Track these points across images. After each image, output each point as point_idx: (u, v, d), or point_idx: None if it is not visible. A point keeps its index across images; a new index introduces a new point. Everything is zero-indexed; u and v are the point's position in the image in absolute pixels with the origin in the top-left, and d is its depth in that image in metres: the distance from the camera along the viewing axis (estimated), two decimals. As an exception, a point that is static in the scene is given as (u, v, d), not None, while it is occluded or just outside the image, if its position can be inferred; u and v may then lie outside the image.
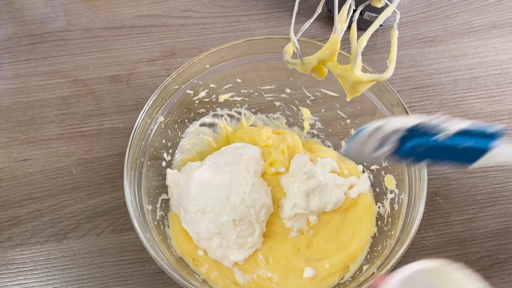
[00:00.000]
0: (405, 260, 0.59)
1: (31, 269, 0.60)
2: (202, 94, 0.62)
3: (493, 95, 0.70)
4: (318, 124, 0.65)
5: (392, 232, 0.53)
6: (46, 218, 0.62)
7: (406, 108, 0.54)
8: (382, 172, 0.60)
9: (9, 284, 0.59)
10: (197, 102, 0.63)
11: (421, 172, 0.51)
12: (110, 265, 0.60)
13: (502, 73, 0.71)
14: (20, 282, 0.59)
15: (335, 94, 0.61)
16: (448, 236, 0.61)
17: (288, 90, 0.64)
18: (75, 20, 0.76)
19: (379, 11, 0.64)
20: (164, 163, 0.62)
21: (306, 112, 0.65)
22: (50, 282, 0.59)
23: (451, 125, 0.39)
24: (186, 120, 0.63)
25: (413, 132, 0.40)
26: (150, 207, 0.57)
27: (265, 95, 0.65)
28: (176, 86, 0.59)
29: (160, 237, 0.55)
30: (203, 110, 0.64)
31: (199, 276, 0.56)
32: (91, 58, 0.73)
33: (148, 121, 0.57)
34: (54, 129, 0.68)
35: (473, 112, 0.69)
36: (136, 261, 0.60)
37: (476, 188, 0.64)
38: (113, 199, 0.63)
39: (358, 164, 0.63)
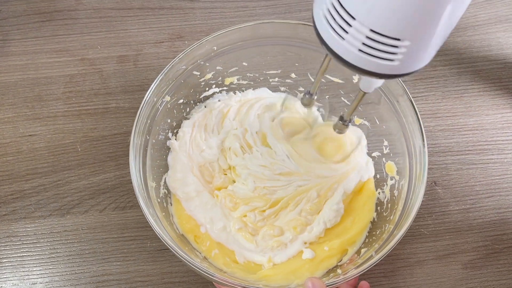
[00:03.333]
0: (402, 247, 0.61)
1: (34, 242, 0.61)
2: (209, 76, 0.63)
3: (496, 89, 0.70)
4: (322, 111, 0.66)
5: (391, 217, 0.54)
6: (50, 193, 0.63)
7: (411, 98, 0.54)
8: (383, 158, 0.61)
9: (12, 256, 0.60)
10: (203, 83, 0.63)
11: (422, 159, 0.52)
12: (112, 241, 0.61)
13: (506, 67, 0.71)
14: (23, 254, 0.60)
15: (341, 81, 0.62)
16: (446, 225, 0.62)
17: (293, 76, 0.65)
18: (84, -1, 0.77)
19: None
20: (168, 143, 0.62)
21: None
22: (53, 256, 0.60)
23: None
24: (192, 101, 0.64)
25: None
26: (154, 184, 0.58)
27: (270, 80, 0.66)
28: (184, 67, 0.60)
29: (163, 214, 0.56)
30: (208, 92, 0.65)
31: (200, 253, 0.57)
32: (99, 37, 0.73)
33: (155, 99, 0.58)
34: (60, 106, 0.68)
35: (475, 105, 0.69)
36: (137, 238, 0.61)
37: (475, 179, 0.65)
38: (117, 177, 0.64)
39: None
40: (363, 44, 0.35)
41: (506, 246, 0.61)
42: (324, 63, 0.49)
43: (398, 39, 0.34)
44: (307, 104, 0.56)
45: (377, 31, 0.34)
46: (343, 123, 0.53)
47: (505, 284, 0.59)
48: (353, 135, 0.63)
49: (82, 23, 0.74)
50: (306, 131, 0.63)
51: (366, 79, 0.45)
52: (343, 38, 0.36)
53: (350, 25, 0.35)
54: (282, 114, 0.64)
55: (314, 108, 0.65)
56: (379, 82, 0.46)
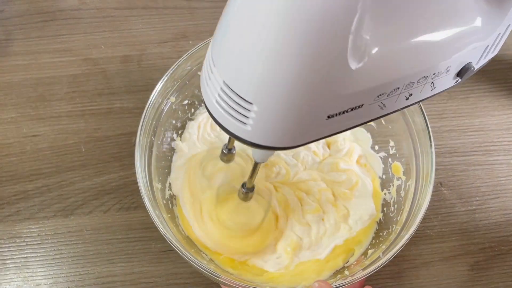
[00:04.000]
0: (408, 248, 0.60)
1: (38, 243, 0.60)
2: (213, 76, 0.62)
3: (502, 89, 0.70)
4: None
5: (398, 218, 0.54)
6: (54, 193, 0.63)
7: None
8: (389, 159, 0.60)
9: (16, 257, 0.59)
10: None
11: (430, 160, 0.52)
12: (116, 242, 0.60)
13: (511, 68, 0.71)
14: (27, 255, 0.60)
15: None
16: (452, 226, 0.62)
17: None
18: (88, -1, 0.76)
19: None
20: (173, 144, 0.62)
21: None
22: (57, 257, 0.60)
23: None
24: (197, 102, 0.64)
25: None
26: (159, 186, 0.57)
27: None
28: (189, 67, 0.59)
29: (169, 215, 0.56)
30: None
31: (206, 255, 0.56)
32: (102, 37, 0.73)
33: (160, 100, 0.57)
34: (64, 106, 0.68)
35: (481, 105, 0.69)
36: (142, 239, 0.60)
37: (481, 180, 0.64)
38: (121, 177, 0.64)
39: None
40: (218, 95, 0.33)
41: (512, 247, 0.61)
42: None
43: (249, 102, 0.32)
44: (227, 160, 0.54)
45: (230, 86, 0.32)
46: (246, 191, 0.51)
47: (511, 286, 0.59)
48: None
49: (85, 22, 0.74)
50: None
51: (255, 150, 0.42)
52: (207, 84, 0.35)
53: (212, 72, 0.33)
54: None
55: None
56: (269, 152, 0.42)
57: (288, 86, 0.30)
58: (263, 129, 0.33)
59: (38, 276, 0.59)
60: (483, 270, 0.60)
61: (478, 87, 0.70)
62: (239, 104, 0.32)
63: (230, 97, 0.32)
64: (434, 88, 0.37)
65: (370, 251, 0.54)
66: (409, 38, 0.33)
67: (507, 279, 0.59)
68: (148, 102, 0.56)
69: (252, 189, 0.51)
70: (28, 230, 0.61)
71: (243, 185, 0.51)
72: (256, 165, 0.46)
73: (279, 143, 0.35)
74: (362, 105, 0.34)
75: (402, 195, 0.56)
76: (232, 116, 0.33)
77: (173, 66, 0.57)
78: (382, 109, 0.36)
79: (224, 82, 0.32)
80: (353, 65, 0.30)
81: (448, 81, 0.38)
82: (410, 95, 0.36)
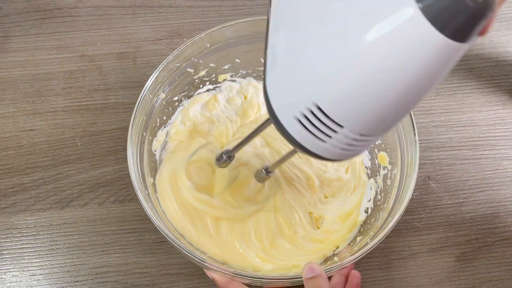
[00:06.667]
0: (396, 240, 0.62)
1: (34, 235, 0.61)
2: (202, 73, 0.64)
3: (488, 86, 0.72)
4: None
5: (385, 206, 0.55)
6: (50, 186, 0.64)
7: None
8: (376, 149, 0.62)
9: (12, 248, 0.61)
10: (197, 80, 0.65)
11: (414, 149, 0.53)
12: (111, 234, 0.62)
13: (498, 65, 0.73)
14: (23, 246, 0.61)
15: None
16: (439, 219, 0.63)
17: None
18: (84, -3, 0.78)
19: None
20: (164, 139, 0.64)
21: None
22: (52, 248, 0.61)
23: None
24: (186, 98, 0.65)
25: None
26: (152, 180, 0.59)
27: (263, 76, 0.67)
28: (178, 64, 0.61)
29: (161, 208, 0.57)
30: (202, 89, 0.66)
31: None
32: (98, 34, 0.74)
33: (151, 96, 0.59)
34: (60, 101, 0.69)
35: (468, 101, 0.71)
36: (136, 230, 0.62)
37: (468, 174, 0.66)
38: (116, 170, 0.65)
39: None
40: (302, 114, 0.34)
41: (497, 239, 0.62)
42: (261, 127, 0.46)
43: (341, 126, 0.33)
44: (223, 166, 0.55)
45: (321, 108, 0.33)
46: (267, 173, 0.53)
47: (496, 276, 0.60)
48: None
49: (82, 20, 0.76)
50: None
51: None
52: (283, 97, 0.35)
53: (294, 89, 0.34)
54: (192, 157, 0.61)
55: None
56: None
57: (385, 113, 0.32)
58: (341, 147, 0.34)
59: (33, 266, 0.60)
60: (469, 261, 0.61)
61: (466, 84, 0.72)
62: (326, 125, 0.33)
63: (319, 119, 0.33)
64: None
65: (358, 238, 0.56)
66: None
67: (492, 270, 0.60)
68: (139, 98, 0.57)
69: (271, 172, 0.54)
70: (24, 222, 0.62)
71: (266, 169, 0.53)
72: (293, 153, 0.47)
73: (351, 156, 0.37)
74: None
75: (389, 183, 0.58)
76: (314, 135, 0.34)
77: (162, 63, 0.58)
78: None
79: (314, 103, 0.32)
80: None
81: None
82: None
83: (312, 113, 0.33)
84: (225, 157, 0.53)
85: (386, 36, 0.28)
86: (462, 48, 0.28)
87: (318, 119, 0.33)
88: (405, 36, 0.28)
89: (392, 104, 0.31)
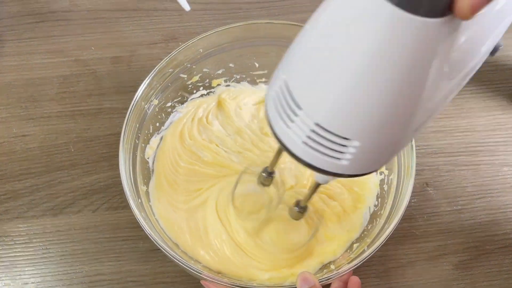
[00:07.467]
0: (394, 248, 0.61)
1: (26, 242, 0.61)
2: (196, 78, 0.63)
3: (487, 91, 0.71)
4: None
5: (382, 212, 0.54)
6: (43, 193, 0.63)
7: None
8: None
9: (4, 255, 0.60)
10: (190, 86, 0.64)
11: (410, 153, 0.52)
12: (105, 241, 0.61)
13: (497, 70, 0.72)
14: (15, 254, 0.60)
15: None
16: (437, 226, 0.62)
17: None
18: (79, 1, 0.77)
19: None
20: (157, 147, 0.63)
21: None
22: (45, 255, 0.60)
23: None
24: (180, 104, 0.65)
25: None
26: (145, 188, 0.58)
27: (258, 80, 0.67)
28: (171, 70, 0.60)
29: (155, 217, 0.56)
30: (196, 94, 0.65)
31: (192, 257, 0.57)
32: (93, 39, 0.74)
33: (143, 103, 0.58)
34: (54, 106, 0.68)
35: (467, 106, 0.70)
36: (130, 238, 0.61)
37: (466, 180, 0.65)
38: (110, 177, 0.64)
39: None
40: (308, 137, 0.32)
41: (497, 247, 0.61)
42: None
43: (347, 139, 0.31)
44: (266, 184, 0.52)
45: (323, 126, 0.31)
46: (299, 210, 0.50)
47: (496, 284, 0.59)
48: None
49: (76, 24, 0.75)
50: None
51: None
52: (288, 126, 0.33)
53: (296, 115, 0.32)
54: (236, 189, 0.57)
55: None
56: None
57: (392, 119, 0.31)
58: (362, 160, 0.33)
59: (26, 274, 0.59)
60: (468, 269, 0.60)
61: (465, 89, 0.70)
62: (334, 142, 0.32)
63: (324, 137, 0.32)
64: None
65: (355, 245, 0.55)
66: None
67: (491, 278, 0.60)
68: (130, 105, 0.56)
69: (307, 208, 0.50)
70: (16, 229, 0.61)
71: (297, 204, 0.50)
72: (317, 186, 0.44)
73: (373, 168, 0.35)
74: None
75: (385, 189, 0.57)
76: (325, 154, 0.33)
77: (154, 69, 0.57)
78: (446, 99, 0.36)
79: (316, 123, 0.31)
80: (446, 84, 0.32)
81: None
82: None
83: (316, 132, 0.32)
84: (266, 175, 0.51)
85: (352, 21, 0.28)
86: (427, 25, 0.26)
87: (324, 137, 0.32)
88: (362, 13, 0.28)
89: (386, 101, 0.30)
